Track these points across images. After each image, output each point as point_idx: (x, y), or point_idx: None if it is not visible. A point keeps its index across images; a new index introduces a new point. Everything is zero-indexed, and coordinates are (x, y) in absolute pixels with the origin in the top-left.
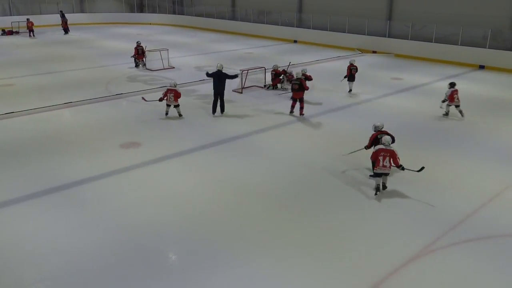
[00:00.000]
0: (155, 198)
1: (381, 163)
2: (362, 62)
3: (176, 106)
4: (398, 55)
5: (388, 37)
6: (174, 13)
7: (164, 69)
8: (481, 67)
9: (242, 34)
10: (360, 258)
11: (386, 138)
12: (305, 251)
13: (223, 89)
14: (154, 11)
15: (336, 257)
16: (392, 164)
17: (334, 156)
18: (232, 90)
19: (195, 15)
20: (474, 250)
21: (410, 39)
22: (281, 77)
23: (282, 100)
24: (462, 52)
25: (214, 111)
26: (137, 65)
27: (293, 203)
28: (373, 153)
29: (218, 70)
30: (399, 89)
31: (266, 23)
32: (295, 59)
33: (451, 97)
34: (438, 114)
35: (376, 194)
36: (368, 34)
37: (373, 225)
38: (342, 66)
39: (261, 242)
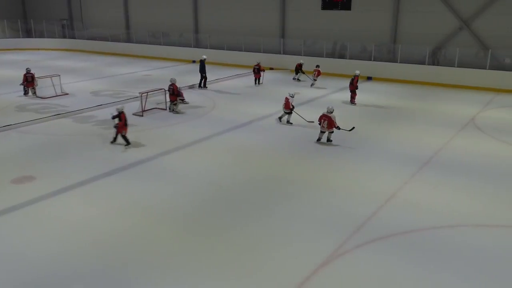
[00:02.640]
0: (56, 234)
1: (321, 125)
2: (264, 78)
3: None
4: (293, 71)
5: (283, 53)
6: (64, 37)
7: (56, 96)
8: (369, 78)
9: (139, 56)
10: (272, 271)
11: (329, 107)
12: (216, 270)
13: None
14: (42, 36)
15: (248, 272)
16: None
17: (241, 172)
18: (133, 114)
19: (88, 39)
20: (378, 249)
21: (304, 55)
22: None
23: (185, 120)
24: (351, 65)
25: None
26: (25, 93)
27: (203, 223)
28: (319, 116)
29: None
30: (297, 103)
31: (163, 45)
32: (194, 80)
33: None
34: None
35: (317, 141)
36: (264, 52)
37: (282, 237)
38: (240, 84)
39: (173, 266)
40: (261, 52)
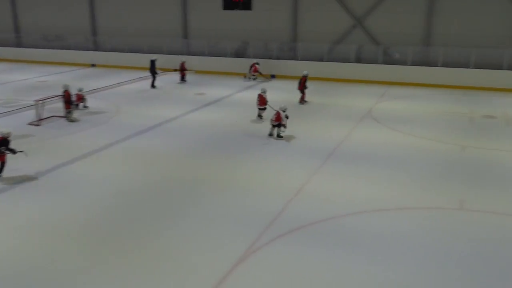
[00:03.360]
0: None
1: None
2: (164, 81)
3: None
4: (198, 71)
5: (187, 54)
6: None
7: None
8: (273, 76)
9: (32, 61)
10: (186, 275)
11: (281, 106)
12: (131, 278)
13: None
14: None
15: (163, 277)
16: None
17: (149, 177)
18: (27, 124)
19: None
20: (290, 241)
21: (208, 55)
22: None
23: (87, 128)
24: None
25: None
26: None
27: (113, 233)
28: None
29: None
30: (204, 104)
31: (58, 49)
32: (94, 84)
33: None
34: (241, 122)
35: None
36: (167, 53)
37: (196, 240)
38: (144, 87)
39: (84, 282)
40: (164, 54)
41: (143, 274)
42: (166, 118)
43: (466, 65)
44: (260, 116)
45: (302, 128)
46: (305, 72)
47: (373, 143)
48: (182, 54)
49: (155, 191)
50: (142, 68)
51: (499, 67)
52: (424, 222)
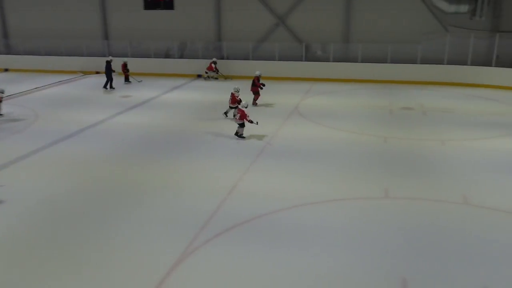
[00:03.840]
0: None
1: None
2: (86, 84)
3: None
4: (121, 74)
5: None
6: None
7: None
8: (199, 76)
9: None
10: (122, 281)
11: (242, 103)
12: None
13: None
14: None
15: (100, 286)
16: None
17: (78, 184)
18: None
19: None
20: (226, 240)
21: (131, 56)
22: None
23: (4, 136)
24: (178, 65)
25: None
26: None
27: (42, 244)
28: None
29: None
30: (130, 106)
31: None
32: (8, 90)
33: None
34: (170, 124)
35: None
36: (89, 55)
37: (131, 245)
38: (63, 91)
39: None
40: (84, 56)
41: (78, 282)
42: (91, 122)
43: (383, 60)
44: (226, 113)
45: (231, 127)
46: (257, 73)
47: (301, 138)
48: (104, 55)
49: (86, 197)
50: (60, 72)
51: (413, 61)
52: (354, 212)
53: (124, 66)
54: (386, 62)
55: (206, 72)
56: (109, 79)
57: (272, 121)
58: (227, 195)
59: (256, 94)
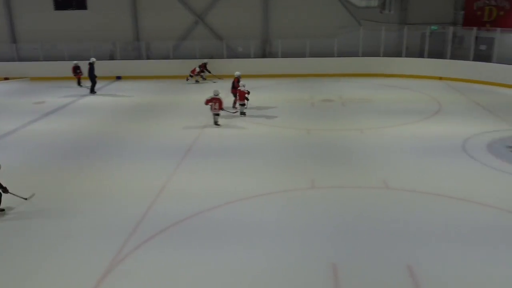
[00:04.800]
0: None
1: (211, 107)
2: None
3: None
4: (34, 78)
5: (19, 61)
6: None
7: None
8: (118, 77)
9: None
10: None
11: (215, 90)
12: None
13: None
14: None
15: None
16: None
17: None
18: None
19: None
20: (158, 243)
21: (43, 60)
22: None
23: None
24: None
25: None
26: None
27: None
28: (207, 100)
29: None
30: (45, 113)
31: None
32: None
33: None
34: (90, 128)
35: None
36: None
37: (56, 260)
38: None
39: None
40: None
41: None
42: (3, 131)
43: (303, 55)
44: (242, 113)
45: (157, 127)
46: (237, 73)
47: (228, 135)
48: (13, 60)
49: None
50: None
51: (331, 54)
52: (283, 204)
53: (75, 69)
54: (305, 57)
55: (191, 76)
56: (93, 83)
57: (199, 119)
58: (156, 197)
59: (236, 96)
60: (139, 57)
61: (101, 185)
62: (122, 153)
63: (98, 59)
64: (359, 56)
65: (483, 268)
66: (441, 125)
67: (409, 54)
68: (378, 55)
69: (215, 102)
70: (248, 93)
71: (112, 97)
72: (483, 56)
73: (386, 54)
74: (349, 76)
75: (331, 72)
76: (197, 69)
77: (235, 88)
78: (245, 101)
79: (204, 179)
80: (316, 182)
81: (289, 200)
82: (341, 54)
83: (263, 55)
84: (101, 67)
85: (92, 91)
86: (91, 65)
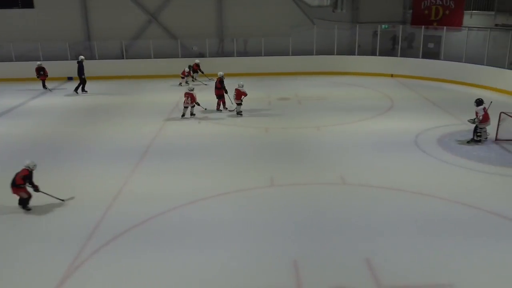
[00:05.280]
0: None
1: (184, 101)
2: None
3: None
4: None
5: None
6: None
7: None
8: (70, 78)
9: None
10: None
11: (189, 86)
12: None
13: None
14: None
15: None
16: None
17: None
18: None
19: None
20: (117, 248)
21: None
22: None
23: None
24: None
25: None
26: None
27: None
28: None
29: None
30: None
31: None
32: None
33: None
34: (41, 133)
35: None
36: None
37: (11, 272)
38: None
39: None
40: None
41: None
42: None
43: (259, 54)
44: (239, 112)
45: (112, 129)
46: (220, 74)
47: (186, 135)
48: None
49: None
50: None
51: (286, 53)
52: (242, 204)
53: (38, 70)
54: (261, 55)
55: (182, 77)
56: (82, 82)
57: (153, 120)
58: (113, 201)
59: (221, 98)
60: (91, 57)
61: (56, 190)
62: (76, 157)
63: (48, 59)
64: (313, 55)
65: (437, 258)
66: (394, 121)
67: (362, 52)
68: (332, 53)
69: (187, 96)
70: (245, 94)
71: (63, 99)
72: (432, 54)
73: (340, 53)
74: (305, 75)
75: (286, 71)
76: (187, 70)
77: (218, 89)
78: (241, 100)
79: (162, 181)
80: (275, 180)
81: (248, 199)
82: (295, 53)
83: (219, 54)
84: (51, 68)
85: (82, 90)
86: (80, 63)
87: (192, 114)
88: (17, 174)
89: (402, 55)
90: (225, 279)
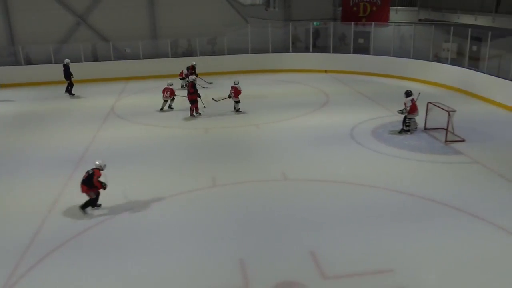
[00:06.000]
0: None
1: (163, 95)
2: None
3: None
4: None
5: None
6: None
7: None
8: None
9: None
10: None
11: (168, 82)
12: None
13: None
14: None
15: None
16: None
17: None
18: None
19: None
20: (55, 261)
21: None
22: None
23: None
24: None
25: None
26: None
27: None
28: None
29: None
30: None
31: None
32: None
33: None
34: None
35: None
36: None
37: None
38: None
39: None
40: None
41: None
42: None
43: (193, 54)
44: (238, 110)
45: (41, 138)
46: (191, 77)
47: (123, 139)
48: None
49: None
50: None
51: (222, 52)
52: (185, 206)
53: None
54: (196, 56)
55: (181, 79)
56: (70, 84)
57: (88, 126)
58: (48, 213)
59: (194, 103)
60: (16, 63)
61: None
62: (5, 169)
63: None
64: (249, 53)
65: (378, 245)
66: (330, 115)
67: (296, 50)
68: (267, 51)
69: (167, 91)
70: (240, 92)
71: None
72: (362, 49)
73: (275, 50)
74: (242, 73)
75: (223, 70)
76: (185, 71)
77: (191, 94)
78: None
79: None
80: (217, 180)
81: (191, 201)
82: (231, 52)
83: (153, 56)
84: None
85: (68, 91)
86: (66, 66)
87: (170, 107)
88: (90, 175)
89: (335, 51)
90: (170, 284)
